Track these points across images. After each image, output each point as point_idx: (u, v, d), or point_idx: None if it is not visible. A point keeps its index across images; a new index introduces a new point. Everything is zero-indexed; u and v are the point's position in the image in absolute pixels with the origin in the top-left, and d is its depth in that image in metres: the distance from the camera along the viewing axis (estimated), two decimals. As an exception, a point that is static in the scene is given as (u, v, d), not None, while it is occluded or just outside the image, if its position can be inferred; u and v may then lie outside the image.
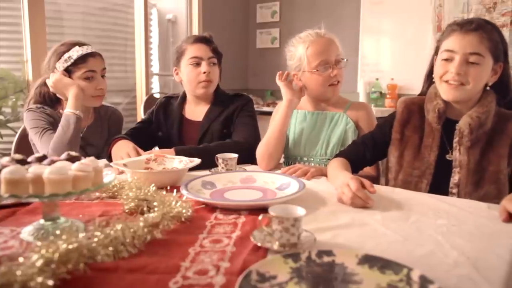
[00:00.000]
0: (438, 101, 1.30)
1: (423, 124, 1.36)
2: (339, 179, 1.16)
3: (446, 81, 1.25)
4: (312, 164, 1.59)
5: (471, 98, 1.27)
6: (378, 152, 1.45)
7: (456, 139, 1.28)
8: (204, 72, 1.73)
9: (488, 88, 1.29)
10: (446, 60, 1.24)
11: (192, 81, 1.76)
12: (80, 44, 1.68)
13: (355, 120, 1.63)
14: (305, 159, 1.63)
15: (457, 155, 1.27)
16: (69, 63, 1.65)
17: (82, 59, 1.65)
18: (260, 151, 1.55)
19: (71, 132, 1.58)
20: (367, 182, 1.08)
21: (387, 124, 1.43)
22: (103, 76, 1.74)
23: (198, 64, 1.74)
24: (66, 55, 1.65)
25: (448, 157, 1.30)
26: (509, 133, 1.24)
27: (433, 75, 1.33)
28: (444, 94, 1.27)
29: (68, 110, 1.62)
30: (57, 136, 1.58)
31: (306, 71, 1.58)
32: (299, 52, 1.59)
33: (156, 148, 1.81)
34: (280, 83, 1.58)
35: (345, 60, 1.61)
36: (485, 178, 1.23)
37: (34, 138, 1.65)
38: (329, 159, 1.58)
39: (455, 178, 1.27)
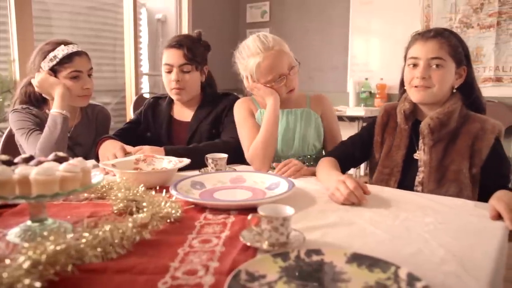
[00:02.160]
0: (405, 103, 1.39)
1: (397, 126, 1.42)
2: (331, 178, 1.18)
3: (415, 86, 1.33)
4: None
5: (439, 101, 1.33)
6: (366, 152, 1.49)
7: (421, 139, 1.35)
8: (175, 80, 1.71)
9: (454, 91, 1.35)
10: (412, 66, 1.33)
11: (166, 87, 1.76)
12: (66, 43, 1.66)
13: (320, 114, 1.66)
14: (283, 160, 1.61)
15: (422, 154, 1.34)
16: (54, 63, 1.62)
17: (68, 58, 1.63)
18: (258, 154, 1.51)
19: (58, 132, 1.56)
20: (361, 183, 1.11)
21: (371, 126, 1.49)
22: (90, 76, 1.72)
23: (170, 71, 1.72)
24: (51, 54, 1.62)
25: (415, 156, 1.37)
26: (471, 134, 1.30)
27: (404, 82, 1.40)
28: (413, 97, 1.35)
29: (55, 110, 1.59)
30: (44, 136, 1.56)
31: (260, 83, 1.57)
32: (250, 65, 1.56)
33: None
34: (257, 84, 1.57)
35: (297, 64, 1.59)
36: (447, 177, 1.29)
37: (20, 139, 1.63)
38: (307, 156, 1.61)
39: (419, 176, 1.33)
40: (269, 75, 1.54)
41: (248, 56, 1.57)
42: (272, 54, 1.53)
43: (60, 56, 1.62)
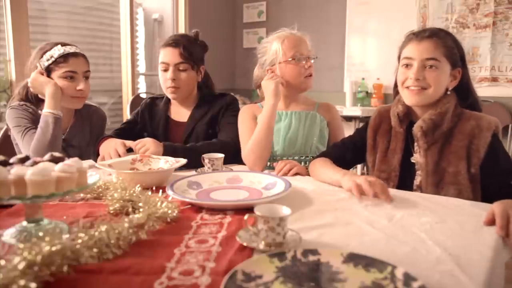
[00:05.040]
0: (398, 106, 1.36)
1: (392, 129, 1.39)
2: (348, 174, 1.21)
3: (408, 87, 1.30)
4: None
5: (432, 102, 1.30)
6: (358, 155, 1.47)
7: (416, 142, 1.32)
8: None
9: (448, 92, 1.32)
10: (406, 67, 1.30)
11: (162, 85, 1.76)
12: (64, 44, 1.65)
13: (327, 120, 1.68)
14: (285, 158, 1.62)
15: (419, 157, 1.31)
16: (50, 62, 1.61)
17: (63, 58, 1.61)
18: (253, 155, 1.51)
19: (50, 133, 1.54)
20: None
21: (364, 129, 1.47)
22: (86, 78, 1.68)
23: (166, 70, 1.72)
24: (48, 54, 1.61)
25: (412, 159, 1.34)
26: (467, 133, 1.26)
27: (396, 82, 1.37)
28: (407, 100, 1.32)
29: (46, 110, 1.57)
30: (37, 138, 1.54)
31: (282, 63, 1.61)
32: (274, 46, 1.64)
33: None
34: (272, 80, 1.58)
35: (315, 57, 1.68)
36: (445, 180, 1.26)
37: (16, 136, 1.62)
38: (309, 157, 1.61)
39: (417, 180, 1.31)
40: (292, 50, 1.61)
41: (273, 40, 1.65)
42: (296, 35, 1.65)
43: (56, 55, 1.61)
